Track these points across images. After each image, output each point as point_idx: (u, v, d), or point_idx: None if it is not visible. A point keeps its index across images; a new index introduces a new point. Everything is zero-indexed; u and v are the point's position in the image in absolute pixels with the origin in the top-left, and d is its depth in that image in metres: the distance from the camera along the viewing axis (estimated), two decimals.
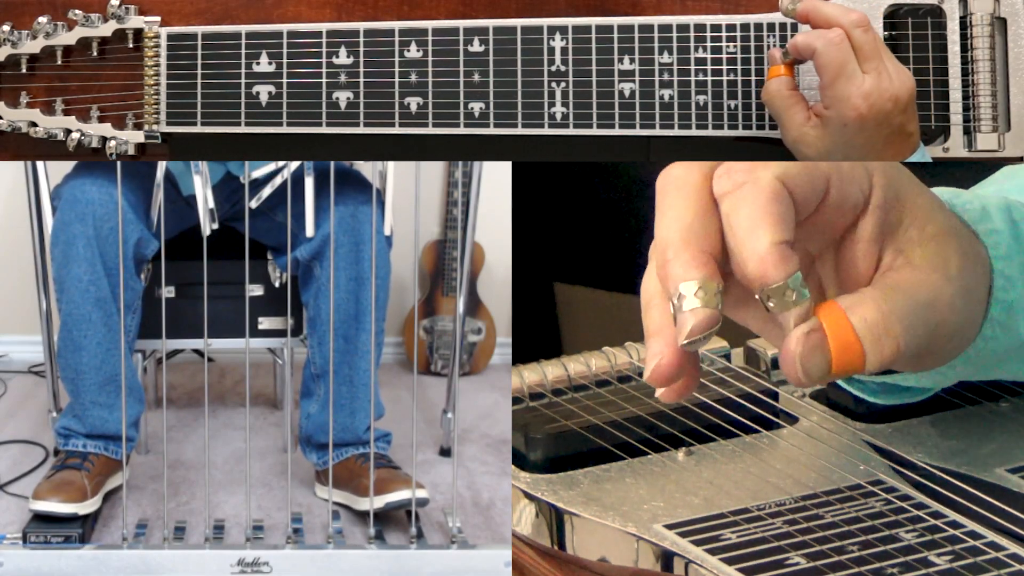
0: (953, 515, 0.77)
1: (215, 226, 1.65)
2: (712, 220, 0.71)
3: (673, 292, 0.71)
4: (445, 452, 2.08)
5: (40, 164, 1.72)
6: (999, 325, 0.77)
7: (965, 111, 1.20)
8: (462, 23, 1.21)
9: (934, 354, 0.75)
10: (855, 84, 1.07)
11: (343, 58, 1.22)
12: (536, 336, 1.33)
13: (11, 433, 2.15)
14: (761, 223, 0.69)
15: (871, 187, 0.73)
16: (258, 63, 1.23)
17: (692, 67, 1.20)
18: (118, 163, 1.57)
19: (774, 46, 1.18)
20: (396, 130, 1.22)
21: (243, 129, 1.23)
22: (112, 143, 1.25)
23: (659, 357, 0.72)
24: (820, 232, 0.74)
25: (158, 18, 1.24)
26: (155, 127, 1.24)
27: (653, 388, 0.74)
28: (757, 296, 0.70)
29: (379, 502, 1.65)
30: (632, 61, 1.20)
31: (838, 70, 1.08)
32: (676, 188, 0.72)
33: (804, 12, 1.12)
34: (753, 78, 1.19)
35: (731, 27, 1.19)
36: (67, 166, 1.77)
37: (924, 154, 1.14)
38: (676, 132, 1.20)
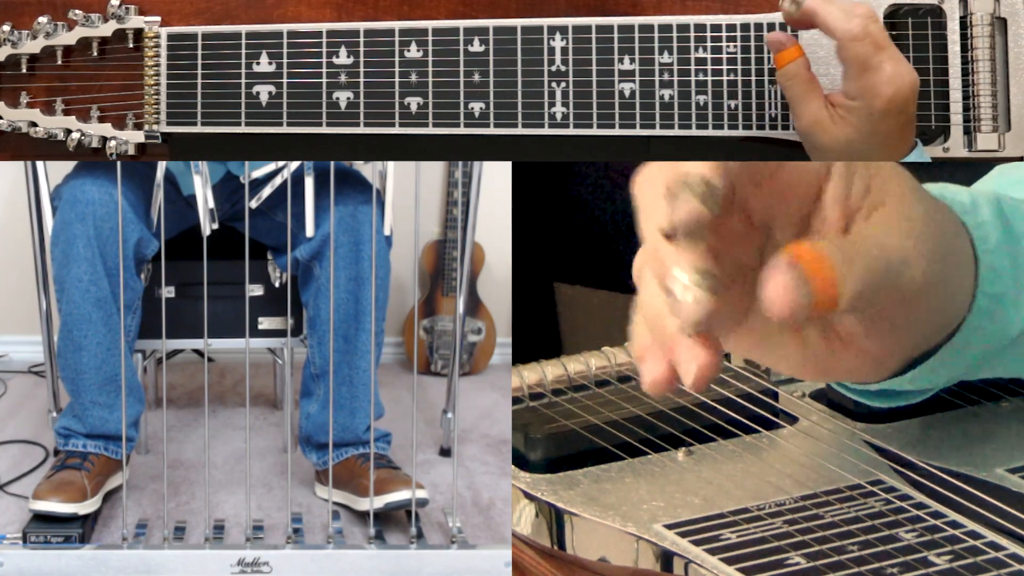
0: (953, 515, 0.77)
1: (215, 226, 1.65)
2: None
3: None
4: (445, 452, 2.08)
5: (40, 164, 1.72)
6: (986, 316, 0.77)
7: (965, 111, 1.20)
8: (462, 23, 1.21)
9: (911, 314, 0.72)
10: (880, 73, 1.07)
11: (343, 58, 1.22)
12: (536, 336, 1.32)
13: (11, 433, 2.15)
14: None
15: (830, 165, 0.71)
16: (258, 63, 1.23)
17: (692, 67, 1.20)
18: (118, 163, 1.57)
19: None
20: (396, 130, 1.22)
21: (243, 129, 1.23)
22: (112, 143, 1.25)
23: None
24: (777, 201, 0.71)
25: (158, 18, 1.24)
26: (155, 127, 1.24)
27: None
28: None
29: (379, 502, 1.65)
30: (632, 61, 1.20)
31: (864, 62, 1.07)
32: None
33: (811, 11, 1.10)
34: (753, 78, 1.19)
35: (731, 27, 1.19)
36: (67, 166, 1.77)
37: (923, 154, 1.14)
38: (676, 132, 1.20)
